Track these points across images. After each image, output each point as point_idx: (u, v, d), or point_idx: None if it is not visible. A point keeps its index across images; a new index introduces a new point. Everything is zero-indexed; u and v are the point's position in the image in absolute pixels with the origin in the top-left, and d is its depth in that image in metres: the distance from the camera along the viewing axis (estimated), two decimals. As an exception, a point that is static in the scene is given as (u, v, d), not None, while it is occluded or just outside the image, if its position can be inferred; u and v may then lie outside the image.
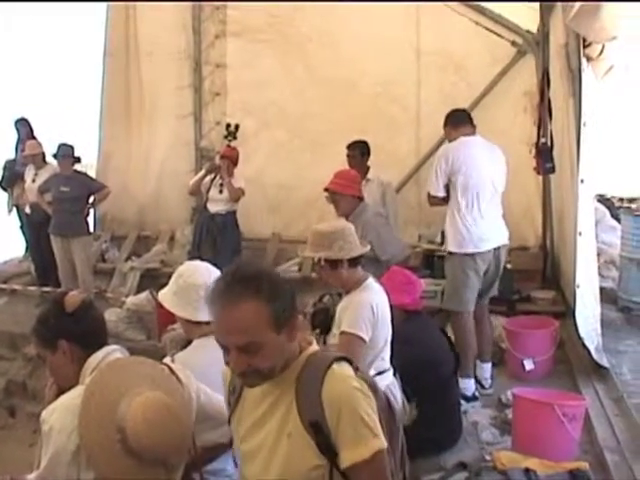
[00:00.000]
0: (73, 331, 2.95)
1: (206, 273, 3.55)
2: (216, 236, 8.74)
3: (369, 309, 4.14)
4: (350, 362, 2.39)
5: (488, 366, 6.56)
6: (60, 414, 2.59)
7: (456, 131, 6.42)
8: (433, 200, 6.47)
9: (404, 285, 5.05)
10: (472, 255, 6.28)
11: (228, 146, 9.46)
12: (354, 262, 4.28)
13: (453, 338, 6.12)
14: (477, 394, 6.34)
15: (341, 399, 2.23)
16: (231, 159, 8.84)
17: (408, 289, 5.04)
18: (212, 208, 8.85)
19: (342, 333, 4.14)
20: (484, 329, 6.60)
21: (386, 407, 2.50)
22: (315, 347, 2.43)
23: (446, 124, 6.56)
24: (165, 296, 3.63)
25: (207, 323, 3.33)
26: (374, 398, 2.33)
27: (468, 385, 6.28)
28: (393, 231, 7.01)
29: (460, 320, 6.37)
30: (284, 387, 2.32)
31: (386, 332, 4.29)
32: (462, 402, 5.94)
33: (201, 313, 3.43)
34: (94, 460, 2.36)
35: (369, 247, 4.69)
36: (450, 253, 6.43)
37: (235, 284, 2.23)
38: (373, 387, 2.40)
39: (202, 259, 4.28)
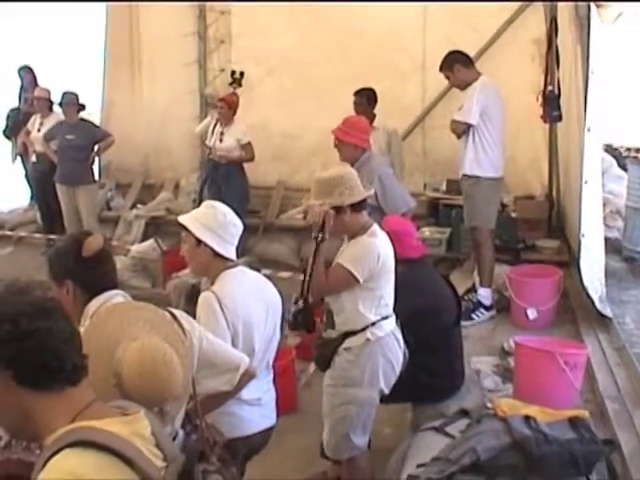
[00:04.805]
0: (82, 276, 2.96)
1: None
2: (220, 185, 8.72)
3: (375, 256, 4.10)
4: (108, 449, 1.77)
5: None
6: None
7: (468, 70, 6.79)
8: (462, 127, 6.71)
9: (399, 235, 4.92)
10: (496, 179, 6.87)
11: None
12: (357, 207, 4.20)
13: (474, 253, 7.16)
14: (493, 303, 6.90)
15: None
16: (228, 103, 8.76)
17: (402, 240, 4.92)
18: (214, 157, 8.84)
19: (338, 264, 4.14)
20: None
21: None
22: (103, 419, 1.87)
23: (454, 64, 6.79)
24: (193, 224, 3.64)
25: (231, 260, 3.68)
26: None
27: (487, 294, 6.89)
28: (398, 180, 6.97)
29: (484, 235, 6.92)
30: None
31: (388, 279, 4.25)
32: (482, 311, 6.82)
33: (230, 249, 3.67)
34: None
35: (373, 191, 4.67)
36: (477, 177, 6.79)
37: None
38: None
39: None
